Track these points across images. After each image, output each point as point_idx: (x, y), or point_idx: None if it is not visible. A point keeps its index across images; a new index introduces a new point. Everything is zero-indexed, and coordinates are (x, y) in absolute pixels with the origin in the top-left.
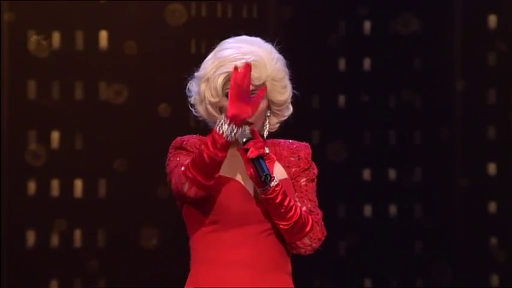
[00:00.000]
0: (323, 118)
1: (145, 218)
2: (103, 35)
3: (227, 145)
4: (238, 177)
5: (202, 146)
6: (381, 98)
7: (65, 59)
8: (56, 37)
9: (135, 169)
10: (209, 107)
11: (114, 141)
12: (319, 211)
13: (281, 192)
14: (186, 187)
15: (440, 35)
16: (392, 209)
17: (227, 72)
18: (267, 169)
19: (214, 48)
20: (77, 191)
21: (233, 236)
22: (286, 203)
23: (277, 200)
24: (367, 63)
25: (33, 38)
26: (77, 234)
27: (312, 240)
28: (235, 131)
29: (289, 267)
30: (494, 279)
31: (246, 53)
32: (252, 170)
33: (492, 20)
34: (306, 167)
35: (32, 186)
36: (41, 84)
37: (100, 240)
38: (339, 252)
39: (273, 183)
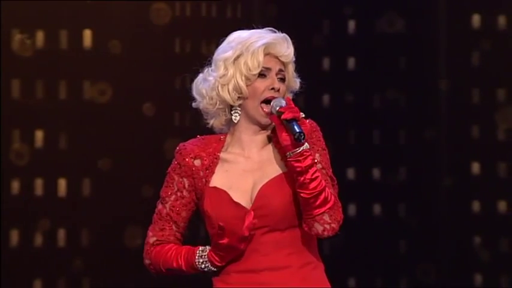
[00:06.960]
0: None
1: (130, 217)
2: (87, 34)
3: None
4: (228, 188)
5: (179, 263)
6: (365, 98)
7: (49, 58)
8: (40, 36)
9: (119, 168)
10: (241, 83)
11: (98, 140)
12: (335, 187)
13: (309, 157)
14: (146, 262)
15: (425, 35)
16: (377, 208)
17: (265, 43)
18: (300, 128)
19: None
20: (61, 190)
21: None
22: (312, 171)
23: (305, 164)
24: (351, 62)
25: (17, 37)
26: (61, 233)
27: (332, 218)
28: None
29: (311, 257)
30: (478, 279)
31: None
32: (284, 133)
33: (476, 19)
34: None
35: (15, 186)
36: (24, 83)
37: (84, 239)
38: (323, 251)
39: (304, 146)
